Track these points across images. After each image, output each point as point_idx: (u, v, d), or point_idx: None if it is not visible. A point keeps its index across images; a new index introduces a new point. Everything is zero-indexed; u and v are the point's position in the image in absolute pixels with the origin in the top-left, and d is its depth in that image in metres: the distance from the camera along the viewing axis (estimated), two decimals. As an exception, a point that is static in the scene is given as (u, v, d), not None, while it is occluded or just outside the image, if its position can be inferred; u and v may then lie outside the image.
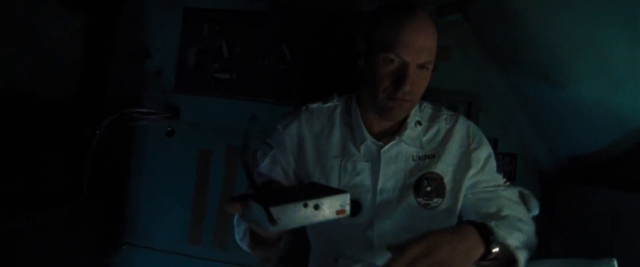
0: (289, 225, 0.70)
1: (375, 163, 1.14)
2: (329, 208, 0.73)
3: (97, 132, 1.53)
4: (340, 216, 0.74)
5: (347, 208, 0.75)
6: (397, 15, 1.05)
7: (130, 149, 1.69)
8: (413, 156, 1.14)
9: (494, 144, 1.61)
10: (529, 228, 1.04)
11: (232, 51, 1.61)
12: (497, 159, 1.59)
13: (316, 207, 0.71)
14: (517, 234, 0.97)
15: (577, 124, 1.36)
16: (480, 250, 0.86)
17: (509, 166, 1.62)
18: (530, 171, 1.63)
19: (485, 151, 1.16)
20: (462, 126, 1.18)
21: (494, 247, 0.87)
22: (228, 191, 1.64)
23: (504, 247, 0.90)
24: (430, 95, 1.62)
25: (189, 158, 1.66)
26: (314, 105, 1.22)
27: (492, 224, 0.92)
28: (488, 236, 0.88)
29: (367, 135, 1.14)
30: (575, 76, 1.25)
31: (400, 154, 1.14)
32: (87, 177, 1.52)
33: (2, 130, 1.31)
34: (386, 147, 1.13)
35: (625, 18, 1.09)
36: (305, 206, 0.70)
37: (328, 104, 1.22)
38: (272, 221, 0.68)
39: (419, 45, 1.01)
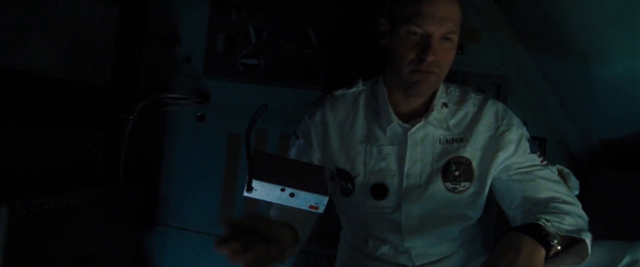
0: (263, 198, 0.78)
1: (401, 147, 1.11)
2: (304, 201, 0.78)
3: (131, 117, 1.57)
4: (313, 211, 0.79)
5: (322, 208, 0.79)
6: None
7: (163, 133, 1.72)
8: (440, 139, 1.11)
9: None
10: (575, 207, 1.00)
11: (259, 36, 1.62)
12: (526, 144, 1.59)
13: (291, 195, 0.77)
14: (567, 218, 0.93)
15: (611, 105, 1.31)
16: (542, 252, 0.82)
17: (539, 150, 1.57)
18: (560, 155, 1.58)
19: (516, 133, 1.11)
20: (491, 109, 1.13)
21: (553, 243, 0.84)
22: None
23: (562, 237, 0.87)
24: (459, 79, 1.61)
25: (219, 142, 1.68)
26: (338, 92, 1.20)
27: (539, 218, 0.88)
28: (541, 234, 0.84)
29: (394, 116, 1.11)
30: (610, 53, 1.19)
31: (427, 136, 1.11)
32: (123, 160, 1.57)
33: (44, 115, 1.36)
34: (412, 129, 1.10)
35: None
36: (282, 190, 0.77)
37: (352, 90, 1.20)
38: (249, 188, 0.76)
39: (441, 14, 0.99)
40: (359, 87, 1.21)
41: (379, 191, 1.13)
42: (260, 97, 1.62)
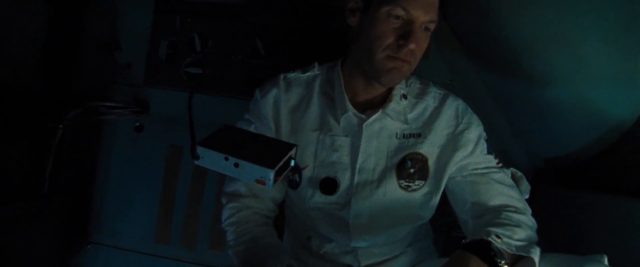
0: (209, 166, 0.76)
1: (355, 138, 1.03)
2: (249, 173, 0.74)
3: (60, 126, 1.42)
4: (260, 185, 0.74)
5: (269, 183, 0.74)
6: None
7: (98, 144, 1.57)
8: (397, 133, 1.04)
9: (470, 144, 1.55)
10: (526, 217, 0.97)
11: (204, 45, 1.51)
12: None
13: (236, 165, 0.74)
14: (518, 231, 0.89)
15: (554, 125, 1.30)
16: None
17: (486, 167, 1.55)
18: (506, 173, 1.56)
19: (475, 132, 1.07)
20: (451, 105, 1.08)
21: (500, 264, 0.80)
22: (198, 188, 1.54)
23: (511, 255, 0.84)
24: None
25: (158, 154, 1.55)
26: (291, 75, 1.11)
27: (490, 233, 0.84)
28: (490, 254, 0.80)
29: (350, 106, 1.03)
30: (551, 75, 1.18)
31: (383, 129, 1.04)
32: (49, 172, 1.41)
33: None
34: (369, 120, 1.02)
35: (598, 14, 1.03)
36: (226, 159, 0.74)
37: (307, 74, 1.11)
38: (195, 155, 0.75)
39: (429, 1, 0.92)
40: (315, 71, 1.12)
41: (329, 185, 1.05)
42: (203, 108, 1.50)
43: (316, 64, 1.14)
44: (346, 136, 1.04)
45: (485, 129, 1.55)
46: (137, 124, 1.54)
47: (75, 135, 1.52)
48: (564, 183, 1.43)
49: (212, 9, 1.50)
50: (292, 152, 0.81)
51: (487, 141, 1.09)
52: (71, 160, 1.54)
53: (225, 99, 1.52)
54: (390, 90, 1.06)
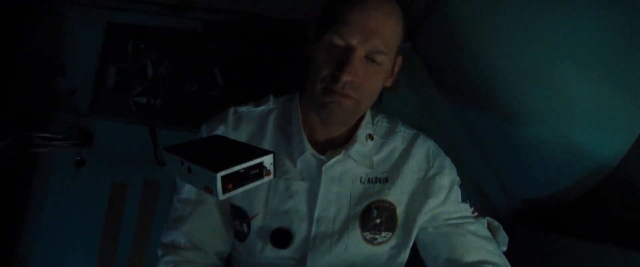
0: (173, 173, 0.68)
1: (314, 183, 0.89)
2: (199, 178, 0.63)
3: (-14, 158, 1.24)
4: (209, 194, 0.63)
5: (216, 191, 0.61)
6: None
7: (30, 180, 1.37)
8: (361, 177, 0.91)
9: (444, 183, 1.42)
10: None
11: (157, 72, 1.37)
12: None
13: (189, 170, 0.64)
14: None
15: (532, 163, 1.18)
16: None
17: (460, 208, 1.42)
18: (483, 212, 1.43)
19: (448, 177, 0.94)
20: (422, 146, 0.96)
21: None
22: (143, 232, 1.35)
23: None
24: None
25: (99, 192, 1.35)
26: (243, 108, 0.97)
27: None
28: None
29: (308, 145, 0.89)
30: (528, 112, 1.08)
31: (346, 173, 0.90)
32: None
33: None
34: (329, 162, 0.89)
35: (579, 46, 0.94)
36: (182, 163, 0.65)
37: (261, 108, 0.97)
38: (161, 162, 0.69)
39: (369, 27, 0.80)
40: (269, 105, 0.98)
41: (281, 238, 0.89)
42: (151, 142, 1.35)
43: (271, 97, 1.00)
44: (303, 179, 0.90)
45: (460, 168, 1.42)
46: (78, 158, 1.36)
47: (4, 168, 1.32)
48: (544, 227, 1.31)
49: (168, 34, 1.37)
50: (263, 160, 0.64)
51: (460, 186, 0.97)
52: (-2, 196, 1.33)
53: (178, 132, 1.35)
54: (354, 130, 0.93)
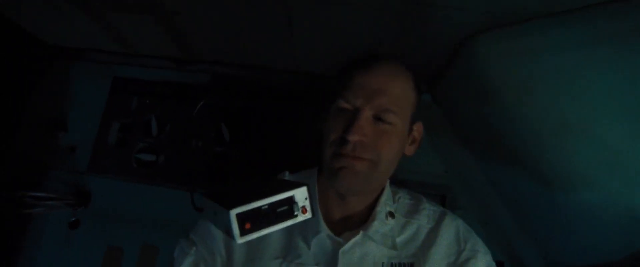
0: (208, 218, 0.60)
1: None
2: (221, 220, 0.54)
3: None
4: (229, 236, 0.53)
5: (232, 233, 0.51)
6: (358, 61, 0.82)
7: (21, 242, 1.26)
8: (384, 262, 0.79)
9: (474, 249, 1.24)
10: None
11: (162, 129, 1.28)
12: (478, 270, 1.24)
13: (214, 212, 0.56)
14: None
15: (579, 227, 1.01)
16: None
17: (495, 278, 1.23)
18: (519, 284, 1.24)
19: (483, 261, 0.81)
20: (450, 226, 0.84)
21: None
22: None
23: None
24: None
25: (93, 257, 1.23)
26: None
27: None
28: None
29: (323, 225, 0.79)
30: (573, 173, 0.92)
31: (366, 257, 0.78)
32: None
33: None
34: (347, 245, 0.78)
35: (627, 101, 0.80)
36: (209, 204, 0.57)
37: None
38: (198, 208, 0.66)
39: (374, 87, 0.76)
40: None
41: None
42: (153, 203, 1.23)
43: (286, 172, 0.91)
44: (317, 264, 0.78)
45: (491, 232, 1.27)
46: (73, 218, 1.25)
47: (-6, 231, 1.22)
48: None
49: (174, 89, 1.30)
50: (294, 194, 0.54)
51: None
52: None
53: (182, 192, 1.24)
54: (373, 207, 0.83)
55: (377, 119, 0.77)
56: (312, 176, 0.87)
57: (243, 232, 0.51)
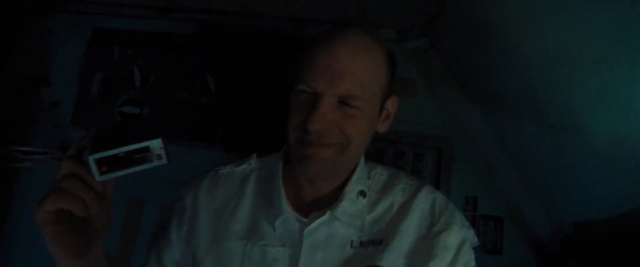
0: None
1: (295, 249, 0.74)
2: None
3: (-40, 175, 1.12)
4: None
5: (94, 174, 0.59)
6: (320, 38, 0.75)
7: (10, 194, 1.23)
8: (353, 241, 0.74)
9: (472, 204, 1.17)
10: None
11: (145, 81, 1.21)
12: (478, 224, 1.16)
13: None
14: None
15: (587, 176, 0.91)
16: None
17: (494, 233, 1.15)
18: (521, 240, 1.15)
19: (457, 235, 0.74)
20: (425, 199, 0.78)
21: None
22: (126, 251, 1.17)
23: None
24: (391, 139, 1.22)
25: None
26: (224, 170, 0.86)
27: None
28: None
29: (287, 206, 0.75)
30: (582, 114, 0.82)
31: (332, 237, 0.74)
32: None
33: None
34: (312, 225, 0.73)
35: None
36: None
37: (241, 167, 0.85)
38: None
39: (336, 69, 0.69)
40: (251, 164, 0.86)
41: None
42: (139, 156, 1.19)
43: (254, 155, 0.88)
44: (283, 246, 0.74)
45: (492, 186, 1.18)
46: (61, 173, 1.22)
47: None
48: (601, 257, 1.03)
49: (157, 39, 1.22)
50: (148, 144, 0.60)
51: (478, 249, 0.76)
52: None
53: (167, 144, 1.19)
54: (343, 185, 0.78)
55: (343, 103, 0.71)
56: (277, 160, 0.83)
57: (101, 173, 0.58)
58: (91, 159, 0.57)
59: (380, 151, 1.17)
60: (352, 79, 0.69)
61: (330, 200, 0.77)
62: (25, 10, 1.26)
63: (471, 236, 0.77)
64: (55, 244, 0.60)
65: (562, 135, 0.89)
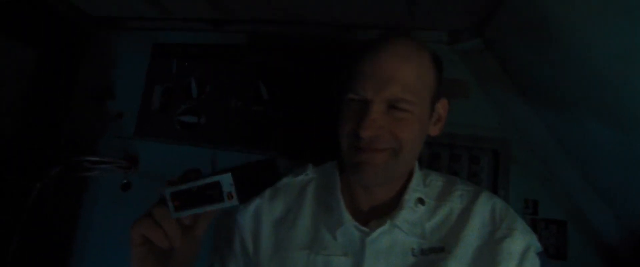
0: None
1: (358, 258, 0.74)
2: None
3: (38, 184, 1.20)
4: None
5: (170, 209, 0.59)
6: (366, 47, 0.76)
7: (78, 206, 1.32)
8: (413, 248, 0.74)
9: (533, 207, 1.12)
10: None
11: (202, 90, 1.27)
12: (538, 228, 1.12)
13: None
14: None
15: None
16: None
17: (556, 237, 1.10)
18: (588, 244, 1.10)
19: (521, 241, 0.73)
20: (485, 205, 0.77)
21: None
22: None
23: None
24: (446, 143, 1.20)
25: (144, 217, 1.26)
26: (283, 180, 0.86)
27: None
28: None
29: (347, 216, 0.75)
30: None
31: (394, 246, 0.74)
32: (17, 241, 1.17)
33: None
34: (373, 234, 0.73)
35: None
36: None
37: (299, 177, 0.86)
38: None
39: (385, 75, 0.71)
40: (308, 174, 0.86)
41: None
42: (197, 163, 1.22)
43: (310, 165, 0.89)
44: (345, 255, 0.75)
45: (553, 190, 1.13)
46: (125, 181, 1.28)
47: (55, 195, 1.28)
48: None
49: (211, 50, 1.27)
50: (219, 179, 0.58)
51: (542, 255, 0.74)
52: (46, 226, 1.28)
53: (223, 152, 1.23)
54: (400, 194, 0.78)
55: (393, 108, 0.71)
56: (334, 169, 0.84)
57: (176, 209, 0.58)
58: (167, 191, 0.58)
59: (436, 155, 1.15)
60: (399, 83, 0.70)
61: (387, 208, 0.77)
62: (91, 27, 1.35)
63: (534, 241, 0.75)
64: (136, 265, 0.63)
65: (634, 133, 0.84)
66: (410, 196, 0.77)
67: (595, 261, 1.10)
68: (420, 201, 0.78)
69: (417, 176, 0.81)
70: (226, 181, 0.57)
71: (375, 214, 0.78)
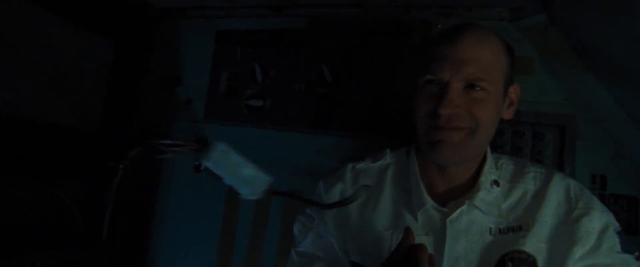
0: None
1: (438, 237, 0.79)
2: None
3: (121, 166, 1.30)
4: None
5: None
6: (442, 34, 0.82)
7: (157, 185, 1.42)
8: (491, 228, 0.78)
9: (601, 183, 1.12)
10: None
11: (266, 75, 1.32)
12: (608, 204, 1.11)
13: None
14: None
15: None
16: None
17: (626, 213, 1.10)
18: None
19: (599, 220, 0.75)
20: (559, 185, 0.80)
21: None
22: (258, 235, 1.30)
23: None
24: (508, 121, 1.20)
25: (216, 197, 1.34)
26: (360, 165, 0.92)
27: None
28: None
29: (427, 197, 0.81)
30: None
31: (473, 224, 0.78)
32: (108, 215, 1.28)
33: (13, 160, 1.13)
34: (453, 214, 0.78)
35: None
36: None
37: (378, 163, 0.91)
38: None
39: (461, 57, 0.75)
40: (387, 159, 0.92)
41: None
42: (265, 144, 1.29)
43: (387, 150, 0.94)
44: (427, 234, 0.80)
45: (623, 162, 1.12)
46: (197, 163, 1.37)
47: (135, 175, 1.39)
48: None
49: (273, 36, 1.32)
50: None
51: (621, 233, 0.76)
52: (129, 203, 1.39)
53: (289, 133, 1.29)
54: (476, 177, 0.82)
55: (469, 87, 0.75)
56: (411, 154, 0.88)
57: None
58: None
59: (499, 132, 1.16)
60: (476, 64, 0.74)
61: (463, 190, 0.82)
62: (157, 18, 1.42)
63: (613, 220, 0.77)
64: None
65: None
66: (486, 178, 0.81)
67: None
68: (496, 182, 0.82)
69: (490, 159, 0.84)
70: None
71: (452, 196, 0.82)
